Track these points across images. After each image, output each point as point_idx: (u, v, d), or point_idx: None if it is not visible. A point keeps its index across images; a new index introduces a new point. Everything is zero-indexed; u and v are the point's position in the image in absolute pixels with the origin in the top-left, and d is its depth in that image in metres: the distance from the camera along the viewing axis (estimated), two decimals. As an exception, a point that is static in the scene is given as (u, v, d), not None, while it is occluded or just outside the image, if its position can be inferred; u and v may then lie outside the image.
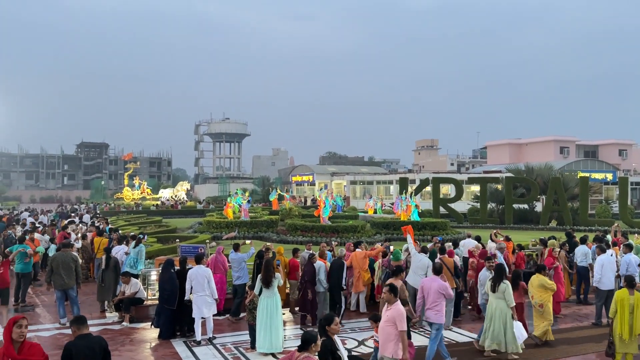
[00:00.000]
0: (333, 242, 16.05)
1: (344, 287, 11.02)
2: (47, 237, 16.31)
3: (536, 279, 9.48)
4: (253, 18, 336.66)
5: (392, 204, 37.60)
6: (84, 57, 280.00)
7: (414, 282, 10.17)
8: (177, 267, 10.18)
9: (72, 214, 31.91)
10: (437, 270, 8.69)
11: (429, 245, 13.07)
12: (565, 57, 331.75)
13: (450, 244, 12.94)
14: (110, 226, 20.53)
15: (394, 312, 6.59)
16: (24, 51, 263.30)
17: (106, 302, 11.77)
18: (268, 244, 12.37)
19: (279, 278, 8.97)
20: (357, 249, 12.00)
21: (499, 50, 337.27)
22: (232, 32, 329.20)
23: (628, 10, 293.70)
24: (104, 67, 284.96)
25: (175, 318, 9.84)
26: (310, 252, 11.57)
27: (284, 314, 10.37)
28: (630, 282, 8.09)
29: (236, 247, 11.45)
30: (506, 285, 8.52)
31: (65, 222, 22.33)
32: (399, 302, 6.77)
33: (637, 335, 7.89)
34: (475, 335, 9.68)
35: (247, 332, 9.32)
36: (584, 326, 10.83)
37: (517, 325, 8.49)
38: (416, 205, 26.32)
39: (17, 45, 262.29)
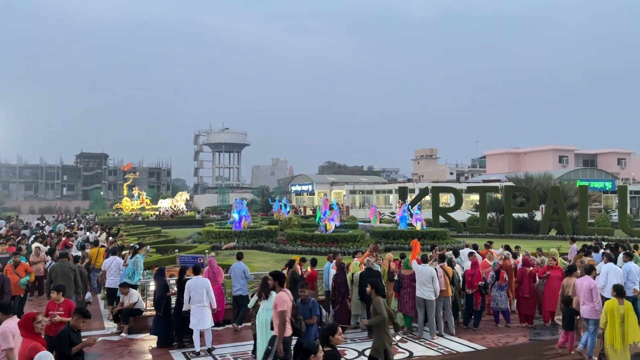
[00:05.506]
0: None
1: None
2: (46, 248, 16.21)
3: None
4: (254, 29, 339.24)
5: (392, 213, 37.66)
6: (83, 68, 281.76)
7: (421, 294, 10.24)
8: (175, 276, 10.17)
9: (72, 223, 31.87)
10: (587, 270, 9.26)
11: (429, 254, 13.04)
12: (563, 66, 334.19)
13: (451, 252, 13.06)
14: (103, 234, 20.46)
15: None
16: (22, 61, 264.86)
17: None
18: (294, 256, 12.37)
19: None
20: (354, 258, 12.04)
21: (498, 59, 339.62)
22: (233, 43, 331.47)
23: (627, 20, 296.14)
24: (103, 77, 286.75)
25: (172, 327, 9.81)
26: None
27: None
28: (619, 292, 8.10)
29: (240, 257, 11.50)
30: None
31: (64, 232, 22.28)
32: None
33: (629, 344, 7.90)
34: (475, 345, 9.66)
35: (246, 342, 9.31)
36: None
37: None
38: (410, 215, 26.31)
39: (16, 55, 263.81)
